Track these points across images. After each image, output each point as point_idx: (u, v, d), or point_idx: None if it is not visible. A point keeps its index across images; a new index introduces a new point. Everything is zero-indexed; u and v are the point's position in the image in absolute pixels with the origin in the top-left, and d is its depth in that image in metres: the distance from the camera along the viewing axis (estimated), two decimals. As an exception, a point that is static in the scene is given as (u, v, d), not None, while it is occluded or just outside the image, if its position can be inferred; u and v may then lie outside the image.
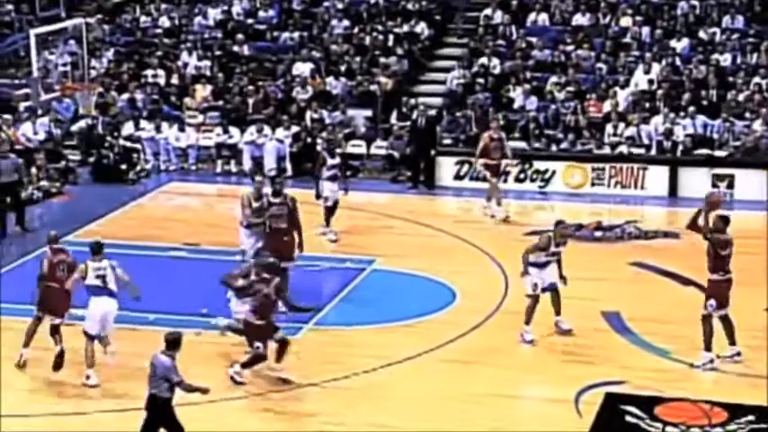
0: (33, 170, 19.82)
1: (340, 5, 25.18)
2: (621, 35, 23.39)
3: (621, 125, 20.55)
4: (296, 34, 24.85)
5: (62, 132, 22.17)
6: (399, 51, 23.68)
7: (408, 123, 20.95)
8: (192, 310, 13.73)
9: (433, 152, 20.30)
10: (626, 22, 23.65)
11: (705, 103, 20.95)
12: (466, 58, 23.41)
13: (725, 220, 12.18)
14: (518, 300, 14.42)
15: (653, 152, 20.38)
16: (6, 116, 21.55)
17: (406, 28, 24.53)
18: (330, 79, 23.18)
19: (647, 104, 21.23)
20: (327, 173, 16.45)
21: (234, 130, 21.77)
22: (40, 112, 22.04)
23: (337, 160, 16.67)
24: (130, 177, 20.78)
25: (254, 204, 14.03)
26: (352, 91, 22.87)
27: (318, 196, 16.39)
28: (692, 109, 20.60)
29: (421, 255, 16.13)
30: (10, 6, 27.00)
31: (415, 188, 20.20)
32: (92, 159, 21.33)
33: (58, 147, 21.45)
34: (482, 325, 13.56)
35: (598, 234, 16.90)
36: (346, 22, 24.93)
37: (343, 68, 23.52)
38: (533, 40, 23.39)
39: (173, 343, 9.97)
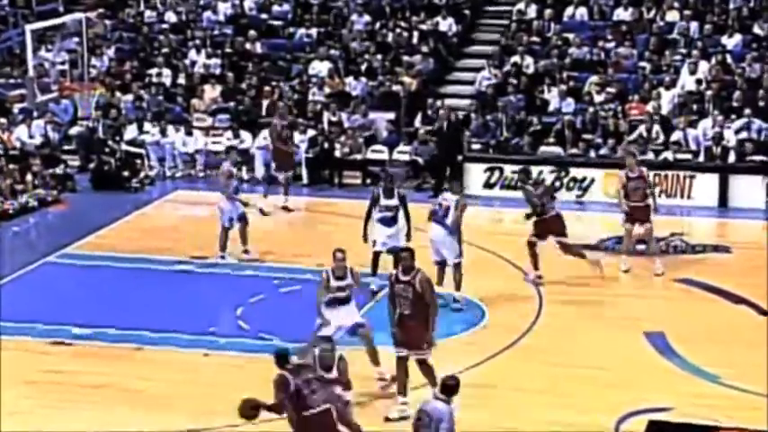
0: (29, 177, 20.01)
1: (360, -1, 25.41)
2: (667, 31, 23.38)
3: (656, 128, 20.50)
4: (313, 30, 25.00)
5: (60, 136, 22.38)
6: (424, 49, 23.77)
7: (432, 127, 21.04)
8: (200, 328, 13.83)
9: (459, 158, 20.37)
10: (672, 16, 23.65)
11: (760, 104, 20.91)
12: (497, 56, 23.47)
13: None
14: (553, 319, 14.42)
15: (701, 158, 20.35)
16: (0, 119, 21.84)
17: (431, 24, 24.63)
18: (349, 79, 23.29)
19: (695, 107, 21.21)
20: (380, 214, 14.94)
21: (245, 134, 21.90)
22: (35, 114, 22.25)
23: (395, 201, 14.90)
24: (133, 185, 20.93)
25: (333, 283, 12.24)
26: (374, 92, 22.97)
27: (366, 239, 14.92)
28: (746, 111, 20.57)
29: (448, 269, 16.17)
30: (4, 0, 27.31)
31: (436, 196, 20.24)
32: (91, 165, 21.50)
33: (56, 151, 21.65)
34: (513, 346, 13.57)
35: (641, 248, 16.87)
36: (367, 18, 25.06)
37: (363, 68, 23.62)
38: (570, 36, 23.42)
39: (452, 388, 9.50)
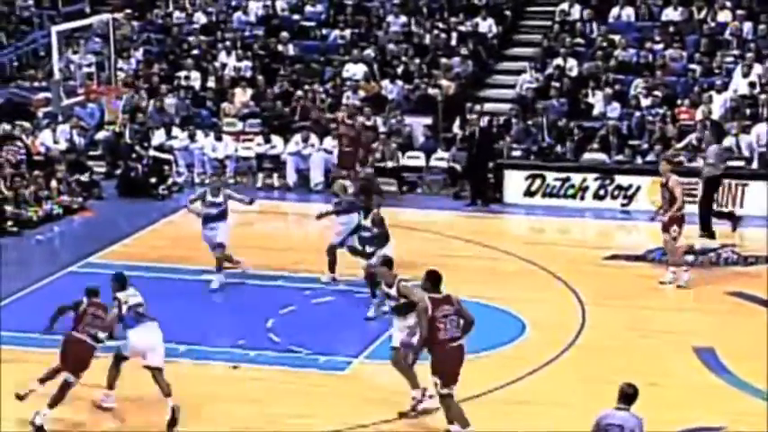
0: (53, 183, 20.17)
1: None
2: (719, 32, 23.21)
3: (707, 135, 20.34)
4: (347, 32, 25.05)
5: (85, 141, 22.54)
6: (463, 51, 23.75)
7: (466, 133, 21.03)
8: (229, 340, 13.87)
9: (491, 164, 20.34)
10: (724, 16, 23.47)
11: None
12: (539, 58, 23.41)
13: None
14: (597, 333, 14.34)
15: (754, 165, 20.17)
16: (24, 123, 22.04)
17: (470, 25, 24.61)
18: (385, 82, 23.31)
19: (748, 111, 21.03)
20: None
21: (277, 140, 22.00)
22: (61, 118, 22.46)
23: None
24: (161, 192, 21.06)
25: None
26: (410, 96, 22.97)
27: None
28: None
29: (486, 280, 16.14)
30: (30, 1, 27.60)
31: (473, 205, 20.28)
32: (118, 171, 21.67)
33: (81, 157, 21.82)
34: (555, 361, 13.50)
35: (689, 259, 16.74)
36: (403, 19, 25.08)
37: (399, 70, 23.64)
38: (616, 37, 23.31)
39: (632, 396, 9.36)
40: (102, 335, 12.24)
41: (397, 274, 12.19)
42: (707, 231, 17.76)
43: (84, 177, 20.95)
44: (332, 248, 15.66)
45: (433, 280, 11.46)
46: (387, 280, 12.17)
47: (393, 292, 12.06)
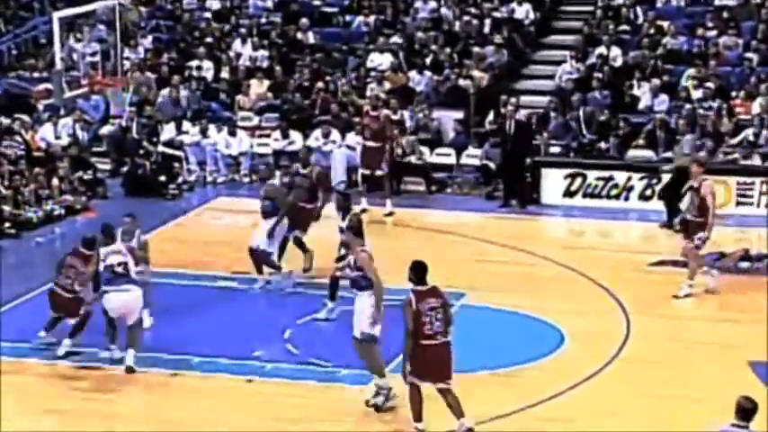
0: (54, 181, 20.27)
1: (425, -17, 25.51)
2: (778, 17, 23.15)
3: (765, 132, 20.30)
4: (371, 18, 25.11)
5: (89, 136, 22.68)
6: (497, 39, 23.77)
7: (496, 128, 21.08)
8: (243, 352, 13.95)
9: (527, 162, 20.34)
10: (784, 0, 23.41)
11: None
12: (580, 47, 23.40)
13: None
14: (642, 344, 14.33)
15: (817, 163, 20.14)
16: (23, 116, 22.17)
17: (505, 11, 24.63)
18: (412, 73, 23.35)
19: (810, 104, 20.96)
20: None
21: (296, 135, 22.09)
22: (63, 111, 22.63)
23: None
24: (170, 191, 21.18)
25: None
26: (439, 88, 23.01)
27: None
28: None
29: (521, 288, 16.17)
30: (30, -16, 27.79)
31: (508, 206, 20.31)
32: (124, 169, 21.81)
33: (85, 153, 21.93)
34: (597, 375, 13.50)
35: (744, 265, 16.71)
36: (433, 4, 25.14)
37: (428, 60, 23.68)
38: (665, 24, 23.28)
39: (751, 412, 9.30)
40: (77, 287, 13.33)
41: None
42: None
43: (88, 175, 21.08)
44: (252, 251, 15.93)
45: (417, 271, 11.61)
46: (354, 245, 12.66)
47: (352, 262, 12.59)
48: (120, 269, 13.39)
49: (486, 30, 24.32)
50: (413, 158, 21.42)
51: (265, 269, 16.04)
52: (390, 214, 19.79)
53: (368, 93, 22.71)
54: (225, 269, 16.62)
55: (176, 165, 21.92)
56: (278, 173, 17.24)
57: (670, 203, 18.54)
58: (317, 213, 16.23)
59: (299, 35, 24.79)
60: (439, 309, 11.48)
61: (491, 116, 21.93)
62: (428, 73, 23.26)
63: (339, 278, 14.36)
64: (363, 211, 19.85)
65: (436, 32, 24.39)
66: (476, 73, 22.90)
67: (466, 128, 22.25)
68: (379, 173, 19.68)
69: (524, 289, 16.11)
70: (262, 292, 15.98)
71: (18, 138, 21.35)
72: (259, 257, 15.90)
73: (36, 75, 24.83)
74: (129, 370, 13.28)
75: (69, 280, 13.70)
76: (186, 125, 22.55)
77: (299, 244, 16.21)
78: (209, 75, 24.07)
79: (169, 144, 22.28)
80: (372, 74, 23.35)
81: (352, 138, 21.51)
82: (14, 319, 14.93)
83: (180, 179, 21.59)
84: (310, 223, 16.27)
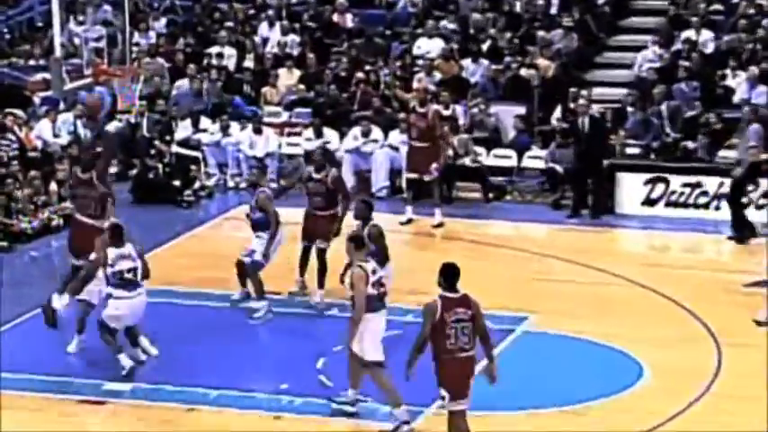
0: (53, 186, 20.36)
1: (482, -44, 25.52)
2: None
3: None
4: (419, -2, 25.20)
5: (93, 134, 22.74)
6: (566, 22, 23.76)
7: (568, 125, 21.06)
8: (269, 385, 14.01)
9: (601, 165, 20.32)
10: None
11: None
12: (663, 30, 23.33)
13: None
14: (735, 379, 14.24)
15: None
16: (17, 111, 22.31)
17: (576, -12, 24.65)
18: (467, 62, 23.39)
19: None
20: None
21: (331, 133, 22.19)
22: (62, 105, 22.78)
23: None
24: (186, 197, 21.29)
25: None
26: (498, 78, 23.03)
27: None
28: None
29: (593, 311, 16.14)
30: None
31: (578, 216, 20.31)
32: (133, 172, 21.96)
33: (87, 154, 22.02)
34: (682, 415, 13.45)
35: None
36: (491, -20, 25.20)
37: (484, 47, 23.71)
38: (764, 2, 23.14)
39: None
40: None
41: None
42: None
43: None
44: (240, 264, 16.15)
45: (447, 275, 11.69)
46: (353, 259, 12.98)
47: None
48: (130, 275, 13.86)
49: (554, 10, 24.33)
50: (467, 161, 21.45)
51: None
52: (440, 225, 19.83)
53: (414, 84, 22.76)
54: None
55: (193, 167, 22.05)
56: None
57: (736, 208, 18.44)
58: (338, 226, 16.09)
59: (336, 17, 24.93)
60: (467, 322, 11.56)
61: (558, 112, 21.92)
62: (485, 61, 23.28)
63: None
64: (409, 221, 19.97)
65: (494, 14, 24.42)
66: (541, 61, 22.93)
67: (529, 125, 22.28)
68: (427, 177, 19.72)
69: (596, 313, 16.07)
70: (293, 315, 16.01)
71: (11, 136, 21.42)
72: (247, 271, 16.07)
73: (32, 63, 25.02)
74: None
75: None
76: (204, 122, 22.70)
77: (321, 256, 16.24)
78: (230, 63, 24.23)
79: (185, 143, 22.44)
80: (420, 62, 23.42)
81: (397, 137, 21.54)
82: (5, 347, 14.93)
83: (197, 184, 21.72)
84: (330, 233, 16.10)
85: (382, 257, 14.46)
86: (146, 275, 14.07)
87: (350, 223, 15.65)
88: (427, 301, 11.62)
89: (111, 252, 13.91)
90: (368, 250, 13.21)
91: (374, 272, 12.86)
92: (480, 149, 21.71)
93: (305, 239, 16.30)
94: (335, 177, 16.42)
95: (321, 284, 16.12)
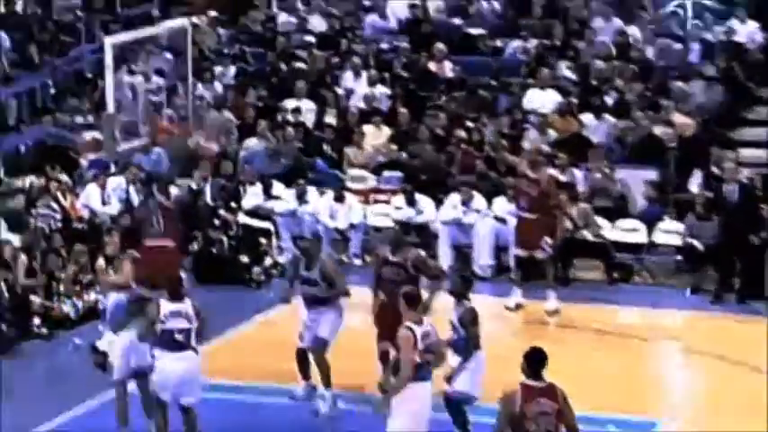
0: (100, 262, 20.31)
1: (609, -7, 25.45)
2: None
3: None
4: (532, 43, 25.14)
5: (150, 200, 22.98)
6: (709, 71, 23.56)
7: (711, 193, 20.85)
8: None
9: (752, 241, 20.09)
10: None
11: None
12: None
13: None
14: None
15: None
16: (61, 176, 22.59)
17: (720, 31, 24.38)
18: (588, 117, 23.31)
19: None
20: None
21: (425, 201, 22.15)
22: (113, 168, 23.02)
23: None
24: (255, 276, 21.32)
25: None
26: (625, 138, 22.89)
27: None
28: None
29: (741, 418, 15.70)
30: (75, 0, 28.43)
31: (720, 301, 20.08)
32: (194, 246, 22.00)
33: (142, 225, 22.21)
34: None
35: None
36: (618, 22, 25.05)
37: (609, 100, 23.60)
38: None
39: None
40: None
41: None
42: None
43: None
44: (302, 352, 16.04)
45: (531, 359, 11.52)
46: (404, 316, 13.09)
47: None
48: (180, 337, 13.92)
49: (693, 58, 24.13)
50: (587, 234, 21.27)
51: None
52: (555, 312, 19.68)
53: (525, 144, 22.76)
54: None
55: (263, 241, 22.10)
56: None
57: None
58: (425, 305, 15.78)
59: (432, 66, 24.94)
60: (551, 416, 11.28)
61: (699, 177, 21.69)
62: (609, 117, 23.20)
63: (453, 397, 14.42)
64: (517, 306, 19.79)
65: (621, 62, 24.30)
66: (677, 117, 22.74)
67: (661, 193, 22.07)
68: (539, 255, 19.61)
69: (747, 420, 15.57)
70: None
71: (54, 204, 21.75)
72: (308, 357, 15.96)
73: (79, 120, 25.31)
74: None
75: None
76: (278, 187, 22.79)
77: (383, 359, 15.83)
78: (309, 119, 24.37)
79: (254, 213, 22.52)
80: (532, 118, 23.40)
81: (503, 205, 21.53)
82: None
83: (268, 260, 21.76)
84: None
85: (470, 345, 14.36)
86: (200, 337, 14.16)
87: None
88: (505, 390, 11.40)
89: (165, 306, 13.98)
90: (423, 311, 13.26)
91: (426, 336, 12.84)
92: (603, 221, 21.57)
93: (382, 338, 15.78)
94: (417, 258, 16.00)
95: None
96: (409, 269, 15.75)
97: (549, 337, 18.88)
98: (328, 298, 15.83)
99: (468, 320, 14.45)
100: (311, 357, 15.91)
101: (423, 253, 16.54)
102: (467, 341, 14.31)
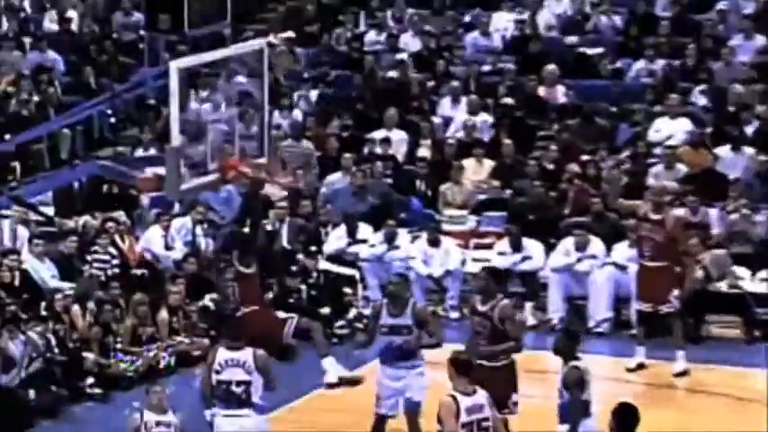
0: (163, 314, 20.60)
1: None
2: None
3: None
4: (658, 64, 25.13)
5: (217, 245, 23.08)
6: None
7: None
8: None
9: None
10: None
11: None
12: None
13: None
14: None
15: None
16: (119, 216, 22.98)
17: None
18: (723, 150, 23.25)
19: None
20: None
21: (533, 246, 22.22)
22: (178, 208, 23.38)
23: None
24: (337, 330, 21.42)
25: None
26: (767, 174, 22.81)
27: None
28: None
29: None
30: (137, 15, 28.68)
31: None
32: (269, 296, 22.13)
33: (210, 272, 22.41)
34: None
35: None
36: (760, 39, 25.13)
37: (749, 129, 23.57)
38: None
39: None
40: None
41: (461, 388, 12.89)
42: None
43: (214, 304, 21.30)
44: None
45: (621, 418, 11.59)
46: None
47: None
48: (238, 390, 13.99)
49: None
50: (722, 285, 21.25)
51: None
52: (684, 373, 19.63)
53: (649, 181, 22.74)
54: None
55: (347, 290, 22.31)
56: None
57: None
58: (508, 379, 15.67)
59: (542, 91, 25.06)
60: None
61: None
62: (749, 150, 23.16)
63: None
64: (640, 366, 19.73)
65: (764, 85, 24.22)
66: None
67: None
68: (665, 308, 19.55)
69: None
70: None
71: (111, 248, 22.02)
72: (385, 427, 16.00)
73: (140, 153, 25.62)
74: None
75: None
76: (364, 230, 22.98)
77: None
78: (400, 152, 24.57)
79: (337, 258, 22.75)
80: (658, 151, 23.42)
81: (623, 251, 21.53)
82: None
83: (352, 312, 21.93)
84: (509, 397, 15.57)
85: (575, 412, 14.24)
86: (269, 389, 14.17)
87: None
88: None
89: (221, 354, 14.11)
90: (472, 384, 12.97)
91: (474, 410, 12.80)
92: (742, 270, 21.48)
93: None
94: (505, 306, 15.68)
95: None
96: (496, 322, 15.59)
97: (676, 402, 18.97)
98: (416, 350, 15.75)
99: (572, 382, 14.24)
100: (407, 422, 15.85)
101: (509, 305, 15.91)
102: (571, 407, 14.16)
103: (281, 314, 16.11)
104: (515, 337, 15.59)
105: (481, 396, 12.95)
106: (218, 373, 14.02)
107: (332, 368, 16.23)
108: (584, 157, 23.49)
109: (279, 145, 24.21)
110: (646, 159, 23.48)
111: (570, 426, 14.12)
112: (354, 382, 16.89)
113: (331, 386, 15.75)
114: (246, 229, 18.28)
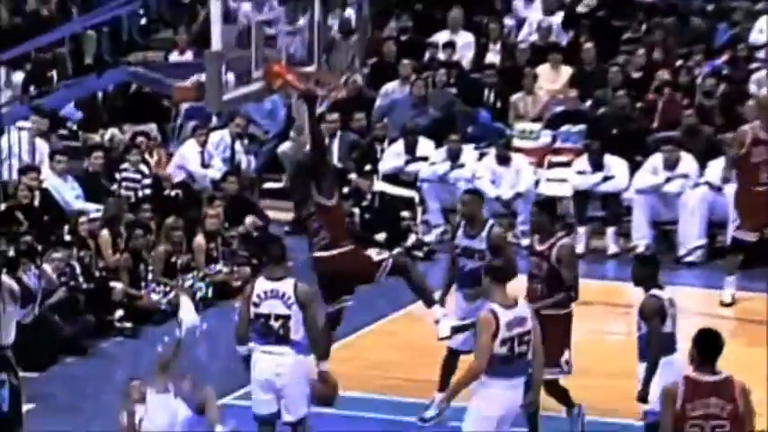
0: (199, 240, 20.96)
1: None
2: None
3: None
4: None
5: (259, 163, 23.72)
6: None
7: None
8: None
9: None
10: None
11: None
12: None
13: None
14: None
15: None
16: (150, 128, 23.54)
17: None
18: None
19: None
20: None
21: (616, 164, 22.45)
22: (216, 120, 23.80)
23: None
24: (396, 257, 21.88)
25: None
26: None
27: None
28: None
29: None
30: None
31: None
32: (318, 221, 22.61)
33: (251, 192, 22.94)
34: None
35: None
36: None
37: None
38: None
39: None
40: None
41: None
42: None
43: (255, 230, 21.76)
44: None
45: (703, 345, 11.54)
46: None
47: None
48: (276, 325, 14.35)
49: None
50: None
51: None
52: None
53: (751, 89, 22.99)
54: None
55: (406, 214, 22.64)
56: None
57: None
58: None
59: (626, -10, 25.19)
60: (724, 420, 11.32)
61: None
62: None
63: None
64: (731, 302, 20.02)
65: None
66: None
67: None
68: None
69: None
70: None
71: (141, 165, 22.39)
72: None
73: (175, 57, 25.94)
74: None
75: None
76: (424, 146, 23.26)
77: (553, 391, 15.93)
78: (466, 58, 24.82)
79: (394, 178, 23.11)
80: (761, 55, 23.65)
81: (718, 170, 21.45)
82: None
83: (411, 238, 22.29)
84: (561, 352, 15.61)
85: (655, 346, 14.23)
86: (315, 343, 14.49)
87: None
88: (667, 385, 11.57)
89: (260, 284, 14.51)
90: (508, 297, 13.40)
91: (515, 324, 13.19)
92: None
93: None
94: (563, 250, 15.63)
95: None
96: (553, 262, 15.59)
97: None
98: None
99: (650, 312, 14.18)
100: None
101: (568, 245, 15.85)
102: (649, 339, 14.15)
103: (373, 252, 15.97)
104: (569, 285, 15.46)
105: (523, 307, 13.40)
106: (256, 305, 14.37)
107: (444, 321, 15.76)
108: (678, 63, 23.70)
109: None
110: (747, 64, 23.68)
111: (650, 362, 14.08)
112: None
113: (442, 339, 15.76)
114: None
